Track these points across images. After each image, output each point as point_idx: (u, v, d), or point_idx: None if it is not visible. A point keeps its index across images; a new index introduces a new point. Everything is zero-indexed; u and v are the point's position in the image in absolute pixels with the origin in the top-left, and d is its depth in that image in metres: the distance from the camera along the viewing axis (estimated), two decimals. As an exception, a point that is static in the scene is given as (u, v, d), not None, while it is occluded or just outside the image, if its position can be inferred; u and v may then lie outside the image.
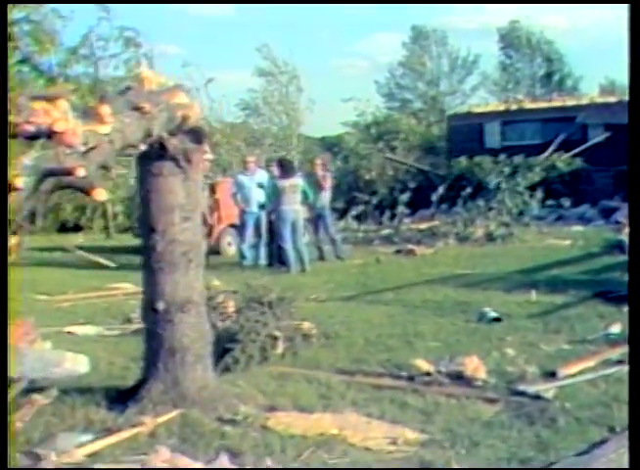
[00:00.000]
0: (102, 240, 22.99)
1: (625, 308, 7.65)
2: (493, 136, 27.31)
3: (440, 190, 19.43)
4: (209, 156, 14.83)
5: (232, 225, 16.08)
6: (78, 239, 22.98)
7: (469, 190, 18.58)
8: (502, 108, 29.25)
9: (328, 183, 15.28)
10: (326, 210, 15.24)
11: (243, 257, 14.66)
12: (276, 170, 14.16)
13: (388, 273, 13.07)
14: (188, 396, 5.33)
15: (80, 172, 3.73)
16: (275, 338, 7.01)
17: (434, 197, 19.39)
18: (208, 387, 5.46)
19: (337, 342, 7.89)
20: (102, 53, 20.75)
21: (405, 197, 19.34)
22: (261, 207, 14.38)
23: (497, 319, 8.68)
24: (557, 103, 28.56)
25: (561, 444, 4.90)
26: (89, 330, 8.71)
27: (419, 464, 4.67)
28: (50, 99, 3.98)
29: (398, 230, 18.46)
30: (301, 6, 57.12)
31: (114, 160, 4.47)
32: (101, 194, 4.01)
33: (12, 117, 3.72)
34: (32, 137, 3.77)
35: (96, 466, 4.53)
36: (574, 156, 24.48)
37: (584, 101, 27.99)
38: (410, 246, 16.40)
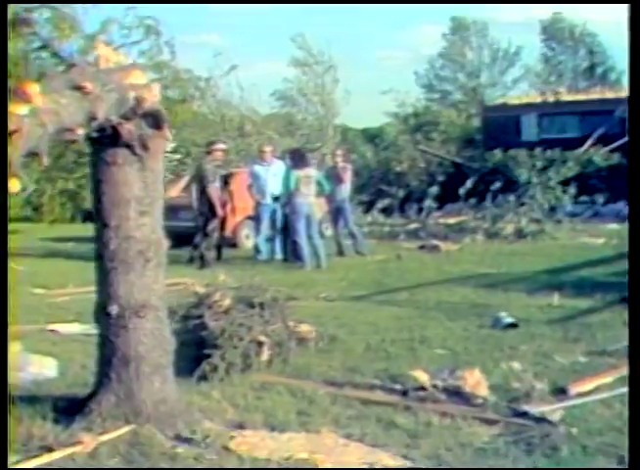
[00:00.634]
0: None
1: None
2: (530, 129, 26.36)
3: (468, 184, 18.65)
4: (224, 145, 14.46)
5: (251, 217, 15.49)
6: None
7: (498, 184, 17.81)
8: (539, 99, 28.32)
9: (348, 175, 14.65)
10: (346, 202, 14.60)
11: (258, 251, 14.10)
12: (289, 161, 13.57)
13: (407, 271, 12.42)
14: (142, 410, 4.75)
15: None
16: (260, 343, 6.41)
17: (462, 191, 18.61)
18: (167, 400, 4.87)
19: (335, 347, 7.29)
20: (123, 41, 20.23)
21: (434, 190, 18.62)
22: (275, 199, 13.79)
23: (513, 325, 8.01)
24: (595, 95, 27.55)
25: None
26: (74, 328, 8.17)
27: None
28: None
29: (425, 225, 17.75)
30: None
31: (46, 145, 3.88)
32: (14, 185, 3.44)
33: None
34: None
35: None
36: (612, 150, 23.46)
37: (624, 94, 26.91)
38: (435, 241, 15.71)
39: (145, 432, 4.69)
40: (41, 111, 3.77)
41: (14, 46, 15.16)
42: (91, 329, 8.29)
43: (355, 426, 5.13)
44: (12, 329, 6.93)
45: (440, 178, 21.55)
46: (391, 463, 4.49)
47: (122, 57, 4.89)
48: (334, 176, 14.43)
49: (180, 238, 14.93)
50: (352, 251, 14.62)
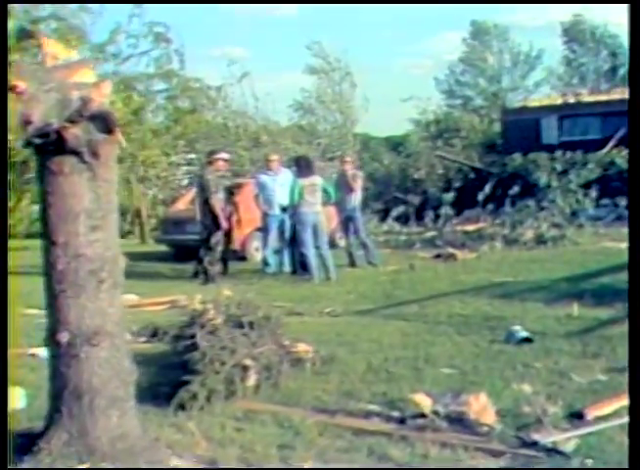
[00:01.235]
0: (136, 245, 22.06)
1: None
2: (550, 131, 25.66)
3: (487, 189, 18.04)
4: (226, 155, 13.92)
5: (260, 229, 14.96)
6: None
7: (517, 189, 17.17)
8: (559, 101, 27.63)
9: (358, 183, 14.07)
10: (356, 211, 14.02)
11: (266, 264, 13.57)
12: (294, 169, 13.02)
13: (418, 282, 11.82)
14: (97, 448, 4.20)
15: None
16: (246, 367, 5.87)
17: (481, 196, 17.98)
18: (127, 436, 4.32)
19: (332, 368, 6.71)
20: (132, 50, 19.85)
21: (449, 196, 18.03)
22: (283, 209, 13.24)
23: (527, 340, 7.42)
24: (616, 95, 26.77)
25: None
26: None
27: None
28: None
29: (442, 233, 17.16)
30: (369, 6, 56.04)
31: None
32: None
33: None
34: None
35: None
36: (635, 152, 22.71)
37: (646, 93, 26.12)
38: (451, 250, 15.10)
39: (98, 473, 4.16)
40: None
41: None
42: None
43: (343, 459, 4.59)
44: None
45: (457, 184, 20.91)
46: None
47: (74, 53, 4.38)
48: (343, 184, 13.88)
49: (187, 252, 14.46)
50: (364, 261, 14.06)
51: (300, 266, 12.81)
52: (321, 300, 10.57)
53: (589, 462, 4.37)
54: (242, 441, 4.89)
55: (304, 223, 12.40)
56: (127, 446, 4.28)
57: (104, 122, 4.14)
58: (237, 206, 13.84)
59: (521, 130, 25.94)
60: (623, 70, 46.42)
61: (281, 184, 13.31)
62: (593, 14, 44.73)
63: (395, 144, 36.03)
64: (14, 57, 12.55)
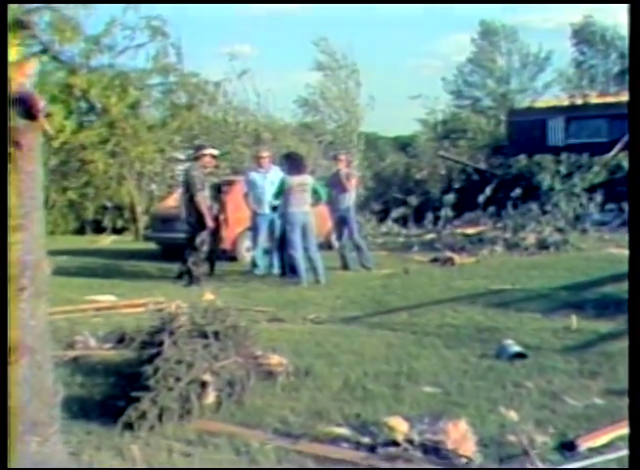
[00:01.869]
0: (129, 242, 21.55)
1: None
2: (556, 133, 25.09)
3: (488, 191, 17.46)
4: (214, 151, 13.29)
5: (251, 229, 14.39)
6: (106, 240, 21.71)
7: (519, 191, 16.60)
8: (566, 103, 27.02)
9: (352, 183, 13.50)
10: (350, 212, 13.44)
11: (255, 265, 13.03)
12: (283, 166, 12.44)
13: (411, 287, 11.26)
14: (14, 478, 3.67)
15: None
16: (204, 384, 5.32)
17: (481, 198, 17.41)
18: (49, 464, 3.77)
19: (306, 383, 6.15)
20: (127, 43, 19.35)
21: (450, 198, 17.46)
22: (274, 208, 12.68)
23: (520, 355, 6.86)
24: (625, 98, 26.14)
25: None
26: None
27: None
28: None
29: (441, 235, 16.60)
30: (380, 6, 55.49)
31: None
32: None
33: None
34: None
35: None
36: (643, 155, 22.14)
37: (656, 96, 25.52)
38: (450, 254, 14.56)
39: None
40: None
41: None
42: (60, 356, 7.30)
43: (300, 496, 4.05)
44: None
45: (457, 185, 20.34)
46: None
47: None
48: (336, 183, 13.31)
49: (176, 250, 13.86)
50: (358, 264, 13.50)
51: (290, 269, 12.24)
52: (306, 305, 10.03)
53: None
54: (188, 469, 4.35)
55: (293, 224, 11.82)
56: (48, 476, 3.73)
57: (25, 107, 3.59)
58: (224, 204, 13.26)
59: (526, 131, 25.42)
60: (632, 73, 45.86)
61: (272, 182, 12.73)
62: (604, 15, 43.83)
63: (404, 144, 35.64)
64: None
